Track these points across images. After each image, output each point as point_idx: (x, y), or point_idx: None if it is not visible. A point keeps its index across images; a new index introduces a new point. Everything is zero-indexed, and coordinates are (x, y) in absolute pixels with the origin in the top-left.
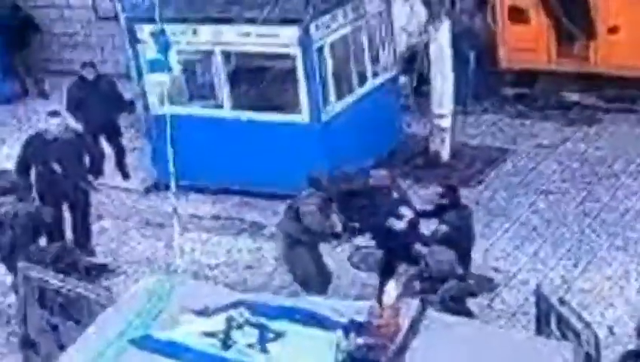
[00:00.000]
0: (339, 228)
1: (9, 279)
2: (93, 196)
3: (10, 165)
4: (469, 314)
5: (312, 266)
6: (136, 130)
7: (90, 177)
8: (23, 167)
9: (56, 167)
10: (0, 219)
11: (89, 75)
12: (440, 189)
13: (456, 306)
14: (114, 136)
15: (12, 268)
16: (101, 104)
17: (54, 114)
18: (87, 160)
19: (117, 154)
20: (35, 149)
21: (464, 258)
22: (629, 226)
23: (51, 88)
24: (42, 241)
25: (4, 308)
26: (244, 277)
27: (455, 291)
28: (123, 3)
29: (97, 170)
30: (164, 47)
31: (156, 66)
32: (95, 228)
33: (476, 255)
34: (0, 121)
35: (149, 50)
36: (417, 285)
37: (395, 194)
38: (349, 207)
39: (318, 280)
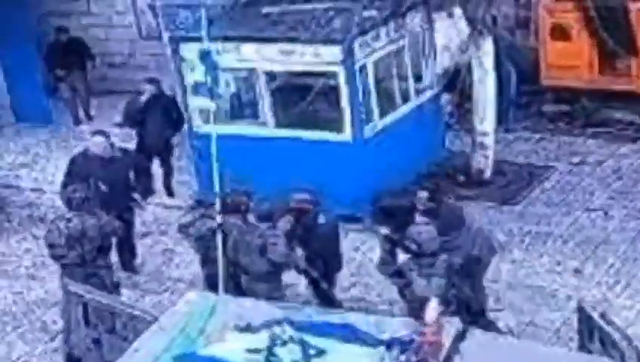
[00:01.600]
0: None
1: (53, 295)
2: (137, 214)
3: (54, 184)
4: (480, 290)
5: None
6: (180, 147)
7: (137, 195)
8: (68, 185)
9: (102, 186)
10: (70, 234)
11: (148, 91)
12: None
13: (464, 281)
14: (166, 154)
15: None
16: (157, 121)
17: (98, 133)
18: (132, 177)
19: (165, 171)
20: (80, 168)
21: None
22: None
23: (94, 108)
24: (113, 256)
25: (49, 324)
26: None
27: (458, 260)
28: (166, 22)
29: (145, 188)
30: (211, 68)
31: (201, 90)
32: (139, 245)
33: (519, 272)
34: (45, 141)
35: (195, 71)
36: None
37: None
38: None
39: None
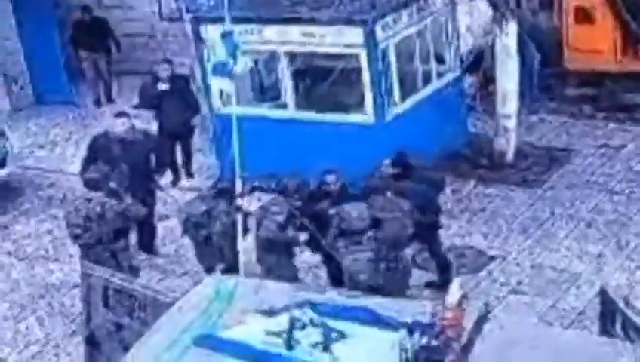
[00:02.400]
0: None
1: (73, 277)
2: (159, 196)
3: (75, 165)
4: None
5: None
6: (200, 129)
7: (157, 177)
8: (88, 166)
9: (124, 168)
10: (87, 215)
11: (164, 72)
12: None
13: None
14: (186, 136)
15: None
16: (176, 103)
17: (120, 115)
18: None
19: (185, 153)
20: (101, 149)
21: (429, 231)
22: None
23: (118, 89)
24: (132, 239)
25: (68, 307)
26: (308, 277)
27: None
28: (187, 3)
29: (175, 172)
30: (232, 49)
31: (221, 71)
32: (159, 228)
33: (541, 255)
34: (65, 122)
35: (216, 52)
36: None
37: None
38: None
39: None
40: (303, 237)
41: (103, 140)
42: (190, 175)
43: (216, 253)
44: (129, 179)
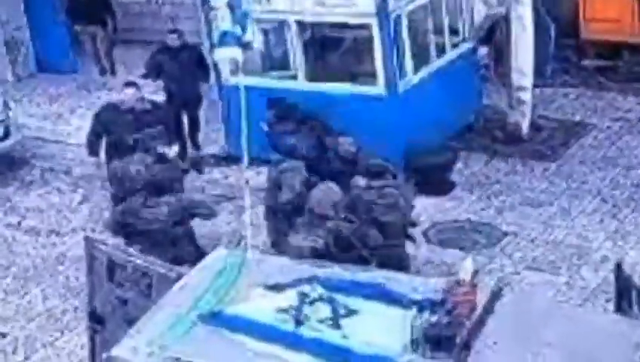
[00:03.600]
0: None
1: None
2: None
3: (79, 137)
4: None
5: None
6: (208, 100)
7: (166, 148)
8: (95, 137)
9: (137, 136)
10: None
11: (173, 42)
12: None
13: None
14: (193, 106)
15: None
16: (185, 73)
17: (129, 84)
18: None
19: (191, 124)
20: (109, 120)
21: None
22: None
23: (121, 59)
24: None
25: (72, 281)
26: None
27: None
28: None
29: (182, 145)
30: (241, 18)
31: (228, 39)
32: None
33: (556, 231)
34: (68, 92)
35: (224, 21)
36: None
37: None
38: None
39: None
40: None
41: (112, 111)
42: (197, 146)
43: None
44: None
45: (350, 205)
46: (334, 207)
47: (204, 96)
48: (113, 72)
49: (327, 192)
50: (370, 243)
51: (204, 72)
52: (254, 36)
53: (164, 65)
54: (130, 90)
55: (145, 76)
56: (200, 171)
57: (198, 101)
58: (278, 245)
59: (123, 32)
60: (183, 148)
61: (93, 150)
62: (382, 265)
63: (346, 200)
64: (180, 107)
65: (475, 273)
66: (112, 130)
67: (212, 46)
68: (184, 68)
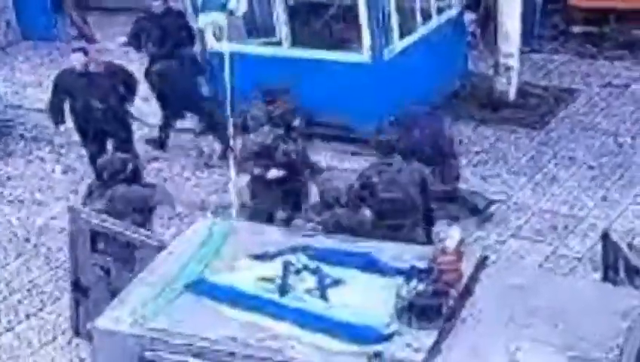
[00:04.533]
0: None
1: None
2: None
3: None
4: None
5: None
6: None
7: (128, 106)
8: (56, 104)
9: (94, 102)
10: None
11: (157, 8)
12: None
13: None
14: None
15: None
16: (169, 38)
17: (76, 50)
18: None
19: None
20: (68, 85)
21: None
22: None
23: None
24: None
25: (55, 252)
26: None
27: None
28: None
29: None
30: None
31: (213, 5)
32: (149, 169)
33: (543, 199)
34: (51, 59)
35: None
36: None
37: None
38: None
39: None
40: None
41: (67, 76)
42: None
43: None
44: (99, 113)
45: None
46: (338, 195)
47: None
48: (92, 40)
49: (331, 179)
50: (366, 228)
51: (189, 37)
52: (239, 3)
53: (148, 31)
54: (77, 55)
55: (127, 44)
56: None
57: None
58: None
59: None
60: (167, 117)
61: (56, 117)
62: None
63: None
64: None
65: (461, 241)
66: (75, 95)
67: (196, 11)
68: (168, 34)
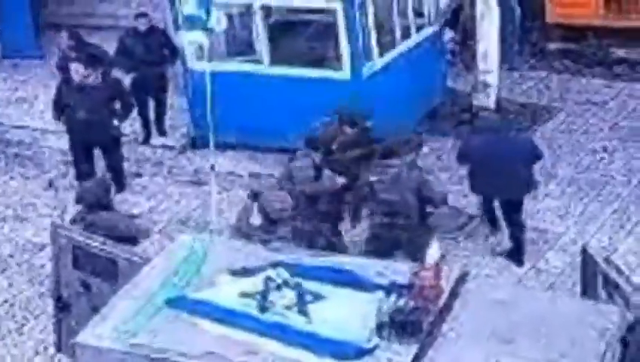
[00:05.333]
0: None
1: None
2: (131, 153)
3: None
4: None
5: None
6: (173, 85)
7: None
8: (57, 112)
9: (81, 113)
10: None
11: (142, 25)
12: None
13: None
14: (160, 91)
15: None
16: (152, 56)
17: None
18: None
19: (158, 109)
20: (63, 94)
21: None
22: None
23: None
24: None
25: (37, 268)
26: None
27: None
28: None
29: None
30: (205, 1)
31: (194, 23)
32: (132, 186)
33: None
34: (34, 77)
35: (188, 5)
36: None
37: None
38: None
39: None
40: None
41: (65, 86)
42: (162, 132)
43: None
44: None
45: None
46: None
47: (170, 81)
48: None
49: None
50: None
51: (172, 54)
52: (219, 21)
53: (132, 48)
54: (74, 65)
55: (112, 63)
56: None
57: (164, 85)
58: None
59: (87, 16)
60: (148, 133)
61: (56, 114)
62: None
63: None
64: (147, 91)
65: (442, 257)
66: (66, 104)
67: (177, 30)
68: (152, 51)
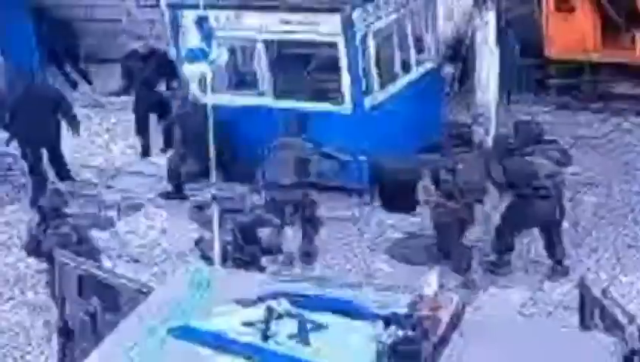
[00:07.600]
0: None
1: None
2: (128, 182)
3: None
4: None
5: None
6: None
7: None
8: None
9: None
10: None
11: (142, 49)
12: None
13: None
14: (164, 112)
15: None
16: (152, 76)
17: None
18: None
19: (165, 132)
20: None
21: None
22: None
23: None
24: None
25: (42, 296)
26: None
27: None
28: None
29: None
30: (207, 35)
31: (197, 55)
32: (134, 217)
33: (519, 247)
34: None
35: (191, 38)
36: None
37: None
38: None
39: None
40: None
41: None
42: (165, 150)
43: None
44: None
45: None
46: None
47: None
48: (90, 83)
49: None
50: None
51: (171, 74)
52: (220, 54)
53: (133, 68)
54: None
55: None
56: None
57: (166, 106)
58: None
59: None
60: (147, 150)
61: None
62: None
63: None
64: (148, 109)
65: (440, 288)
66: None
67: (181, 63)
68: (152, 71)
